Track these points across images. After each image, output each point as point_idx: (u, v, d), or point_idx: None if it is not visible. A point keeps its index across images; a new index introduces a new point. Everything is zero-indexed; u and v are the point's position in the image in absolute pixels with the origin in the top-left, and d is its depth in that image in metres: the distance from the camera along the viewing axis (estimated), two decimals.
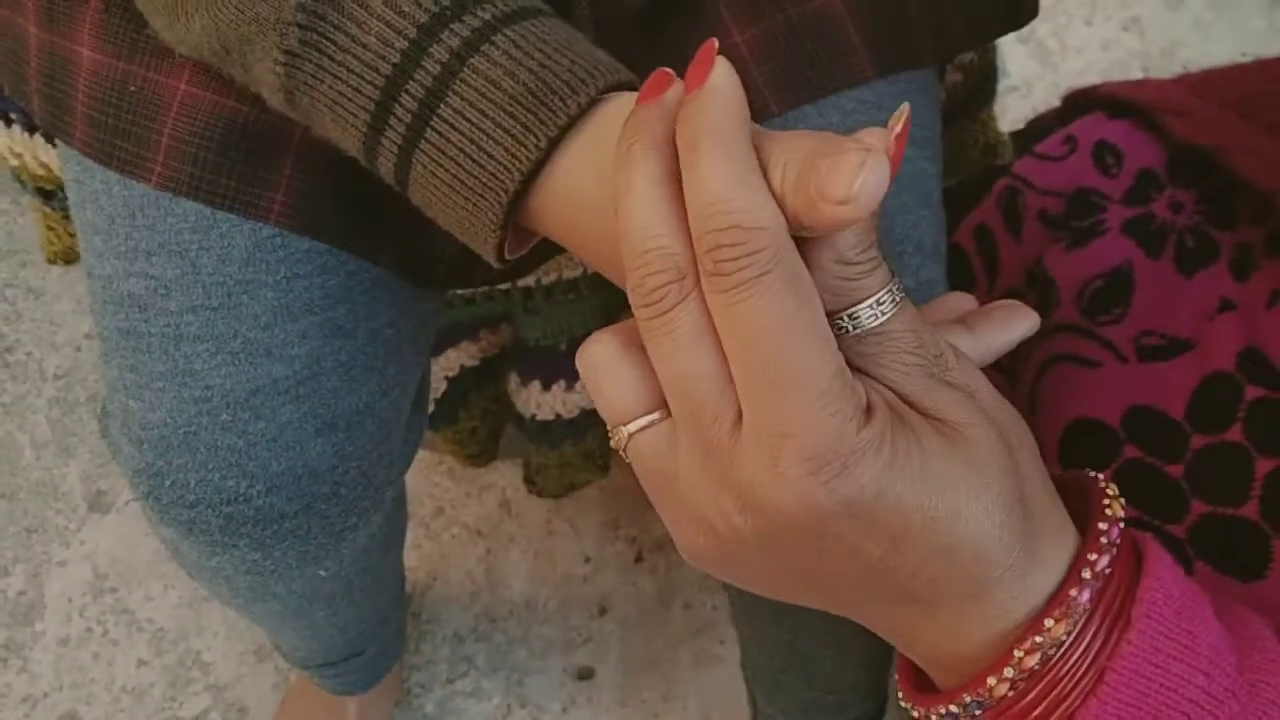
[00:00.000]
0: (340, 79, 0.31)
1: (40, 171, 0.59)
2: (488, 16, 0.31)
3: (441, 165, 0.31)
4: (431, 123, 0.31)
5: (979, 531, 0.25)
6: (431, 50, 0.30)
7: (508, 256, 0.33)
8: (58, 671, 0.89)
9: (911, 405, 0.26)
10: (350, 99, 0.32)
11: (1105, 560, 0.26)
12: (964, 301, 0.34)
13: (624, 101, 0.31)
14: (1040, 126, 0.64)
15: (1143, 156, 0.59)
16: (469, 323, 0.64)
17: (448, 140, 0.31)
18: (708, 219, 0.24)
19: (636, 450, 0.27)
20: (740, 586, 0.29)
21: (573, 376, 0.63)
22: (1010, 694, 0.26)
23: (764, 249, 0.23)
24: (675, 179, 0.25)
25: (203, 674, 0.89)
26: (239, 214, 0.42)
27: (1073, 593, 0.26)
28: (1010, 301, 0.33)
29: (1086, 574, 0.26)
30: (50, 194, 0.62)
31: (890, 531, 0.25)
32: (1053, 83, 1.14)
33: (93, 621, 0.91)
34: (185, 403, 0.43)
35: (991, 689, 0.26)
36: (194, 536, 0.45)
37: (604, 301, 0.62)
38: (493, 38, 0.30)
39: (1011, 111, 1.09)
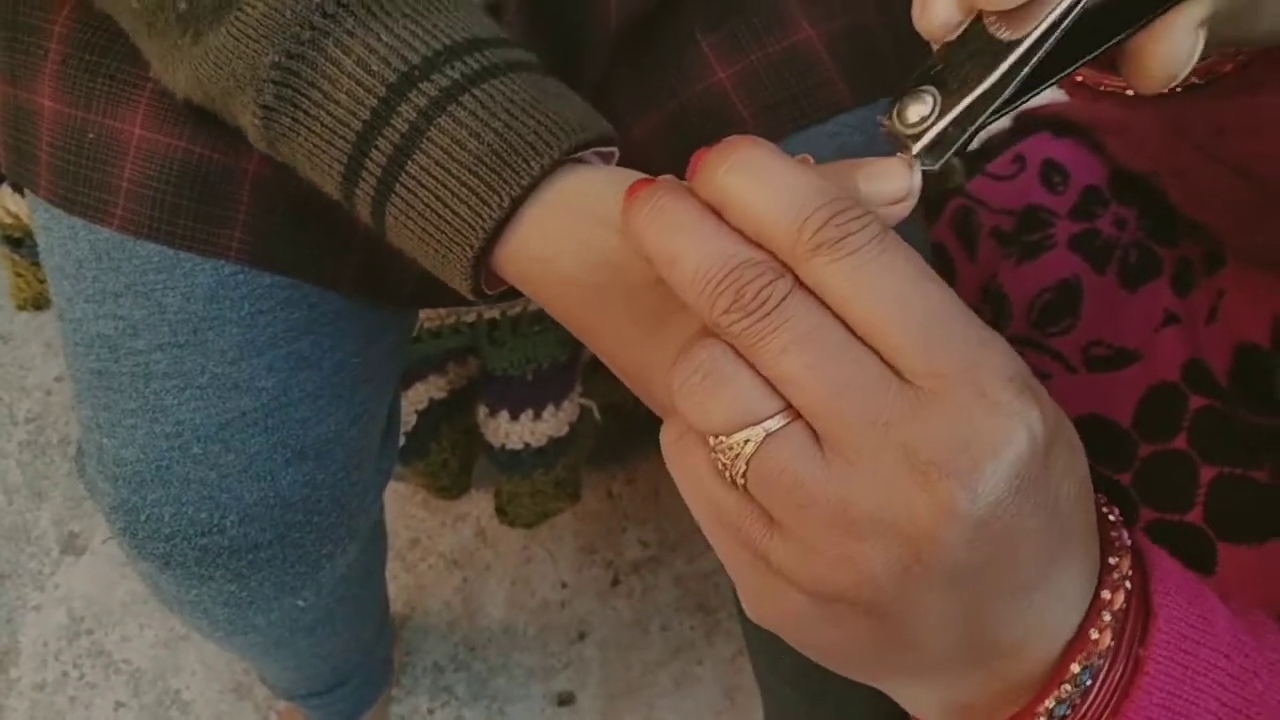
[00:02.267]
0: (315, 133, 0.33)
1: (8, 220, 0.60)
2: (456, 76, 0.32)
3: (411, 219, 0.32)
4: (400, 178, 0.32)
5: (1088, 480, 0.25)
6: (400, 109, 0.31)
7: (488, 292, 0.34)
8: (34, 718, 0.88)
9: None
10: (325, 151, 0.33)
11: (1120, 596, 0.25)
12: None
13: (594, 175, 0.32)
14: (991, 146, 0.67)
15: (1087, 174, 0.61)
16: (436, 356, 0.65)
17: (415, 196, 0.32)
18: (808, 202, 0.22)
19: (771, 457, 0.23)
20: (845, 655, 0.25)
21: (540, 405, 0.64)
22: (1089, 684, 0.25)
23: (873, 215, 0.23)
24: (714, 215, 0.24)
25: (182, 713, 0.89)
26: (198, 253, 0.43)
27: (1105, 594, 0.25)
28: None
29: (1113, 564, 0.26)
30: (18, 241, 0.63)
31: (1071, 462, 0.24)
32: None
33: (69, 665, 0.91)
34: (157, 438, 0.43)
35: (1051, 709, 0.25)
36: (171, 570, 0.46)
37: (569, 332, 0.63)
38: (460, 98, 0.31)
39: None
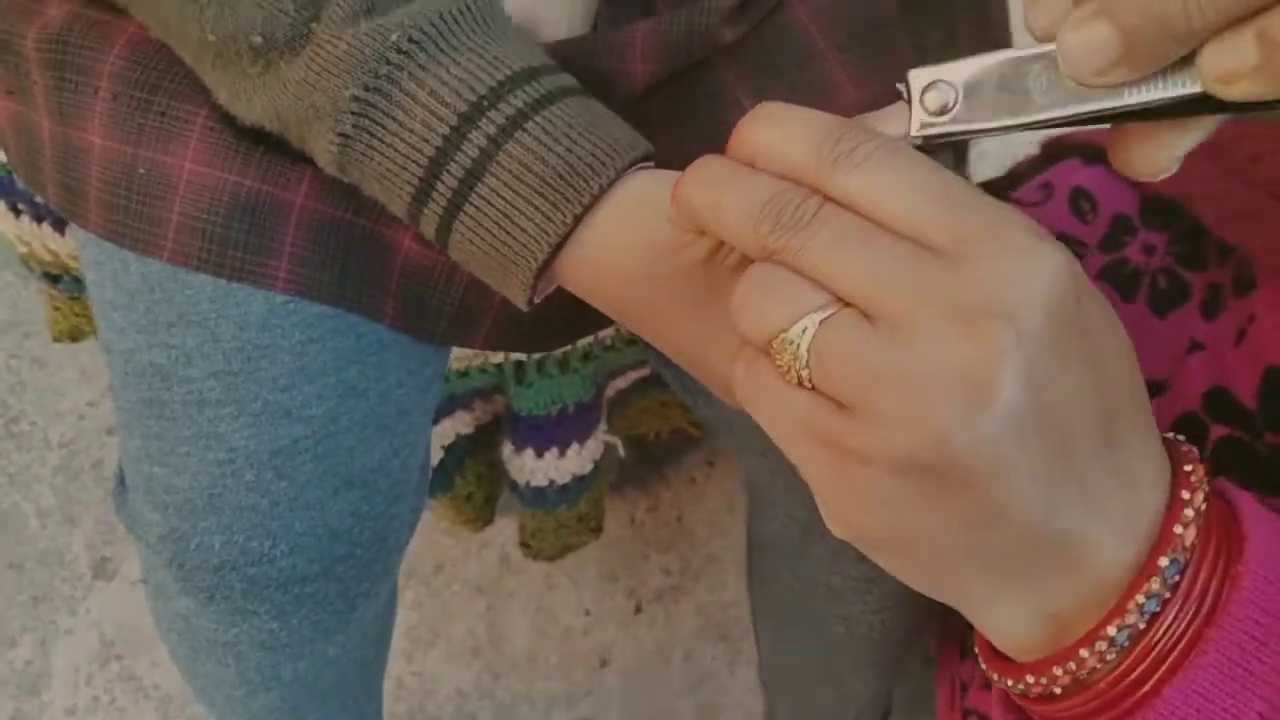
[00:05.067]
0: (388, 158, 0.35)
1: (47, 257, 0.61)
2: (519, 104, 0.35)
3: (478, 235, 0.35)
4: (470, 198, 0.35)
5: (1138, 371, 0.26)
6: (470, 136, 0.34)
7: (536, 300, 0.37)
8: None
9: None
10: (397, 174, 0.36)
11: (1200, 495, 0.26)
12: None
13: (643, 179, 0.35)
14: (1019, 172, 0.66)
15: (1116, 201, 0.61)
16: (463, 394, 0.65)
17: (484, 214, 0.35)
18: (823, 131, 0.25)
19: (828, 339, 0.25)
20: (937, 548, 0.25)
21: (565, 444, 0.65)
22: (1159, 609, 0.25)
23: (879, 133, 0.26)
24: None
25: None
26: (248, 283, 0.44)
27: (1184, 494, 0.26)
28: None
29: (1189, 470, 0.27)
30: (56, 278, 0.65)
31: (1106, 310, 0.25)
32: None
33: (100, 690, 0.91)
34: (210, 465, 0.44)
35: (1142, 604, 0.25)
36: (215, 604, 0.46)
37: (594, 372, 0.64)
38: (525, 125, 0.34)
39: (992, 158, 1.11)
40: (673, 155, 0.46)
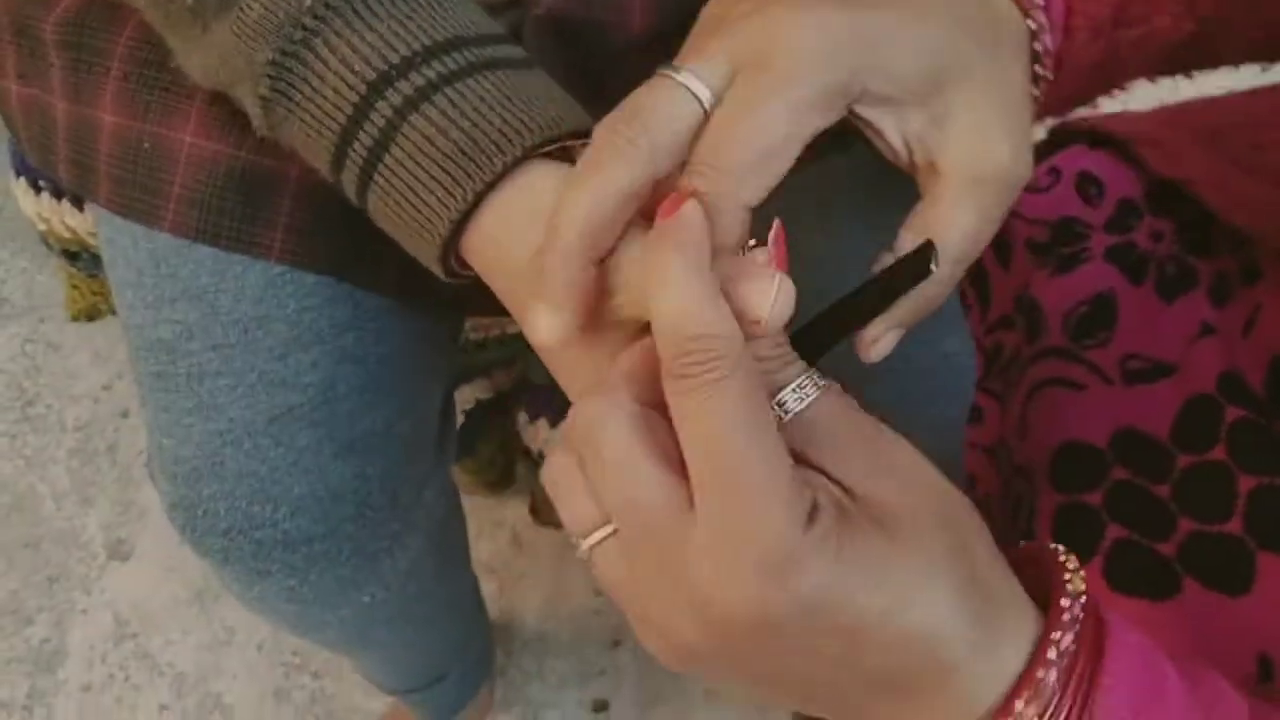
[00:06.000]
0: (306, 124, 0.35)
1: (66, 235, 0.62)
2: (432, 75, 0.34)
3: (388, 205, 0.35)
4: (378, 168, 0.34)
5: (932, 617, 0.26)
6: (377, 106, 0.34)
7: (462, 273, 0.36)
8: (81, 718, 0.91)
9: (851, 492, 0.27)
10: (315, 140, 0.35)
11: (1069, 638, 0.26)
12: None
13: (552, 174, 0.34)
14: None
15: (1122, 186, 0.61)
16: (481, 365, 0.66)
17: (391, 185, 0.34)
18: (679, 332, 0.26)
19: (597, 562, 0.28)
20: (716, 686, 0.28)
21: None
22: None
23: (727, 356, 0.26)
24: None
25: (224, 716, 0.91)
26: (243, 253, 0.44)
27: (1040, 674, 0.26)
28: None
29: (1052, 653, 0.26)
30: (75, 255, 0.65)
31: (845, 627, 0.25)
32: None
33: (115, 667, 0.93)
34: (211, 435, 0.45)
35: None
36: (230, 566, 0.47)
37: None
38: (432, 97, 0.34)
39: None
40: None
